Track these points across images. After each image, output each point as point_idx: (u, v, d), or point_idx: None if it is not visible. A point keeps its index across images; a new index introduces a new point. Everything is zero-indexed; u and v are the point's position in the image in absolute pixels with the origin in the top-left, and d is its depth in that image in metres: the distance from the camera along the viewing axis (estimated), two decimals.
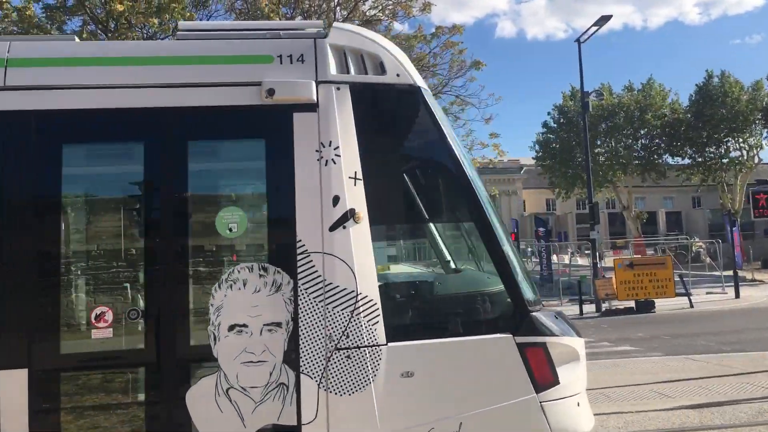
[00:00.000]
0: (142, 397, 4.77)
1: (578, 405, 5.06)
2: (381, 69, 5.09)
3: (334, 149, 4.86)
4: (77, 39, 5.60)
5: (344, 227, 4.77)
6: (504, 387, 4.85)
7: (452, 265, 5.85)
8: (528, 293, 5.06)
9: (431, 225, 5.75)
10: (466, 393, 4.81)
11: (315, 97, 4.91)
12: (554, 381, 4.91)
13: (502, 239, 5.06)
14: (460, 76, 32.93)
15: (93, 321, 4.68)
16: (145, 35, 22.65)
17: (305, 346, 4.69)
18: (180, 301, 4.74)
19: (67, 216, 5.00)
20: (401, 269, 6.25)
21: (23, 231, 4.62)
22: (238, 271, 4.78)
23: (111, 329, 4.69)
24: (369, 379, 4.69)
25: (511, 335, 4.86)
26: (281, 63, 5.02)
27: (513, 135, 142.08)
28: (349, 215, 4.80)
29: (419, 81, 5.18)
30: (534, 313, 4.96)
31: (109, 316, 4.71)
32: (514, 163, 70.04)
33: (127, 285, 5.02)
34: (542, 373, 4.91)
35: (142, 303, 4.81)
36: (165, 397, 4.66)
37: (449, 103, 32.68)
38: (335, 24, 5.50)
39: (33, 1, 21.40)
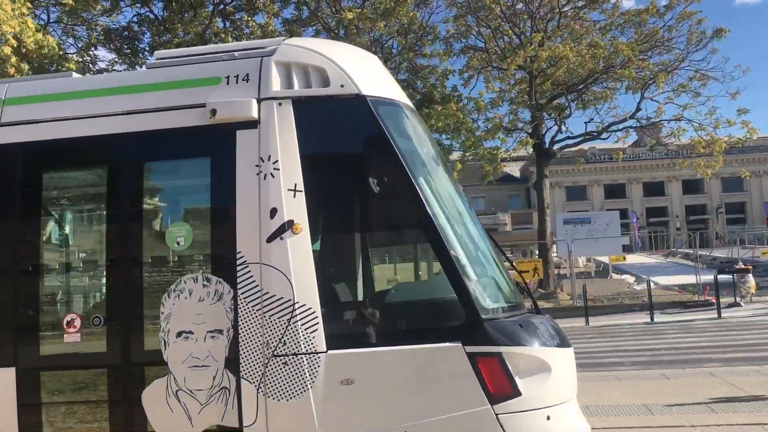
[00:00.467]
0: (105, 395, 5.21)
1: (548, 419, 4.82)
2: (325, 81, 5.15)
3: (273, 163, 4.99)
4: (75, 74, 6.30)
5: (281, 238, 4.87)
6: (453, 397, 4.72)
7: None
8: (484, 301, 4.93)
9: (373, 234, 5.75)
10: (411, 402, 4.73)
11: (256, 115, 5.08)
12: (514, 393, 4.72)
13: (454, 247, 4.99)
14: (699, 49, 30.06)
15: (65, 326, 5.26)
16: (371, 39, 23.70)
17: (244, 353, 4.86)
18: (135, 309, 5.15)
19: (46, 231, 5.66)
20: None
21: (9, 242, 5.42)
22: (185, 282, 5.08)
23: (79, 335, 5.27)
24: (307, 385, 4.75)
25: (460, 344, 4.71)
26: (228, 83, 5.25)
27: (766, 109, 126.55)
28: (287, 227, 4.89)
29: (371, 90, 5.19)
30: (489, 321, 4.81)
31: (78, 323, 5.28)
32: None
33: (90, 294, 5.64)
34: (497, 384, 4.70)
35: (104, 311, 5.30)
36: (124, 397, 5.09)
37: (688, 78, 29.99)
38: (285, 41, 5.53)
39: (273, 17, 23.38)
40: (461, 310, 4.83)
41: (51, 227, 5.88)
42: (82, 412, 5.25)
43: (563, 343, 5.25)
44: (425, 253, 5.63)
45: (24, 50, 21.39)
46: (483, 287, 5.17)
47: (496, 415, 4.69)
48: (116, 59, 29.39)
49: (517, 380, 4.75)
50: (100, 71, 27.96)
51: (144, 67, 6.98)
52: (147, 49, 28.58)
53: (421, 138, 5.75)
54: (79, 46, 28.29)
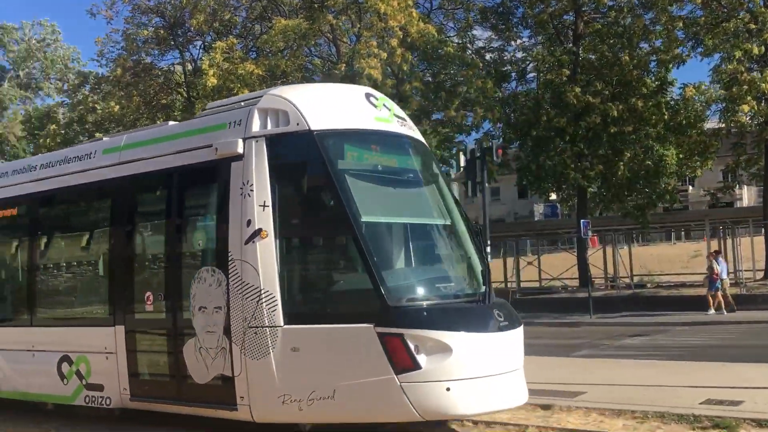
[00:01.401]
0: (165, 347, 8.02)
1: (448, 390, 6.35)
2: (287, 121, 7.19)
3: (250, 186, 7.11)
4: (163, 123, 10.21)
5: (254, 242, 6.96)
6: (367, 367, 6.43)
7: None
8: (396, 292, 6.61)
9: (314, 237, 7.53)
10: (338, 368, 6.57)
11: (242, 150, 7.25)
12: (414, 367, 6.30)
13: (375, 251, 6.69)
14: None
15: (145, 300, 8.18)
16: None
17: (233, 324, 7.08)
18: (180, 290, 7.78)
19: (138, 235, 8.81)
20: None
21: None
22: (202, 272, 7.59)
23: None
24: (269, 349, 6.81)
25: (372, 326, 6.38)
26: (229, 128, 7.53)
27: None
28: (257, 233, 6.96)
29: (322, 125, 7.13)
30: (397, 308, 6.49)
31: (151, 298, 8.19)
32: None
33: (158, 279, 8.42)
34: (400, 359, 6.30)
35: (162, 291, 8.13)
36: (174, 349, 7.74)
37: None
38: (271, 90, 7.87)
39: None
40: (375, 299, 6.54)
41: (144, 236, 8.90)
42: (156, 357, 8.15)
43: (481, 329, 6.75)
44: (349, 252, 7.16)
45: (409, 39, 23.68)
46: (404, 282, 7.11)
47: (400, 384, 6.36)
48: (492, 36, 30.67)
49: (418, 357, 6.35)
50: (478, 51, 29.52)
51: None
52: (519, 23, 29.20)
53: (369, 155, 7.66)
54: (458, 27, 30.24)
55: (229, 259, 7.16)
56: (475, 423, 7.83)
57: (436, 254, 7.93)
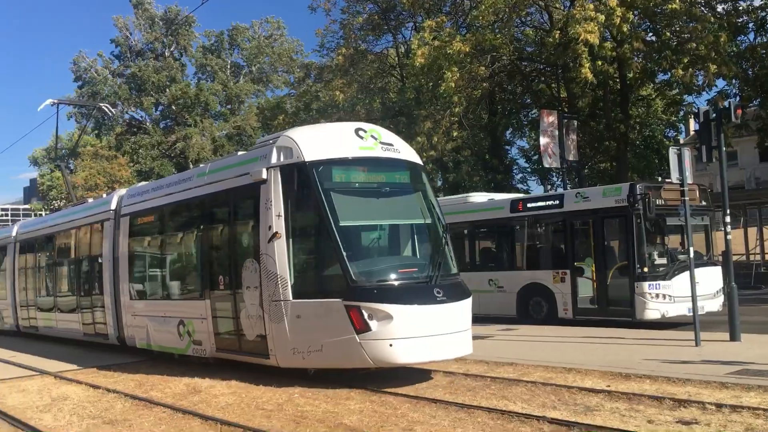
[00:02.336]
0: (230, 313, 11.36)
1: (390, 346, 9.23)
2: (291, 155, 10.26)
3: (269, 201, 10.24)
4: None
5: (271, 241, 10.06)
6: (339, 328, 9.40)
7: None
8: (358, 277, 9.52)
9: (307, 238, 10.55)
10: (323, 329, 9.62)
11: (265, 176, 10.38)
12: (367, 329, 9.24)
13: (347, 248, 9.67)
14: None
15: (219, 282, 11.79)
16: None
17: (263, 298, 10.25)
18: (239, 275, 10.97)
19: (215, 235, 12.38)
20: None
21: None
22: (247, 263, 10.80)
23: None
24: (284, 316, 9.92)
25: (341, 300, 9.41)
26: (258, 160, 10.76)
27: None
28: (275, 235, 10.04)
29: (314, 156, 10.12)
30: (357, 287, 9.41)
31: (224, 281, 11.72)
32: None
33: (225, 268, 11.78)
34: (358, 323, 9.26)
35: (228, 276, 11.53)
36: (235, 315, 11.11)
37: None
38: (286, 132, 11.10)
39: None
40: (344, 281, 9.46)
41: (218, 235, 12.36)
42: (228, 322, 11.44)
43: (417, 302, 9.44)
44: (331, 248, 9.79)
45: None
46: (370, 267, 9.90)
47: (359, 341, 9.25)
48: None
49: (370, 322, 9.19)
50: (707, 2, 26.70)
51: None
52: None
53: (356, 176, 10.47)
54: None
55: (261, 253, 10.36)
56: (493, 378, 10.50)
57: (398, 248, 11.06)
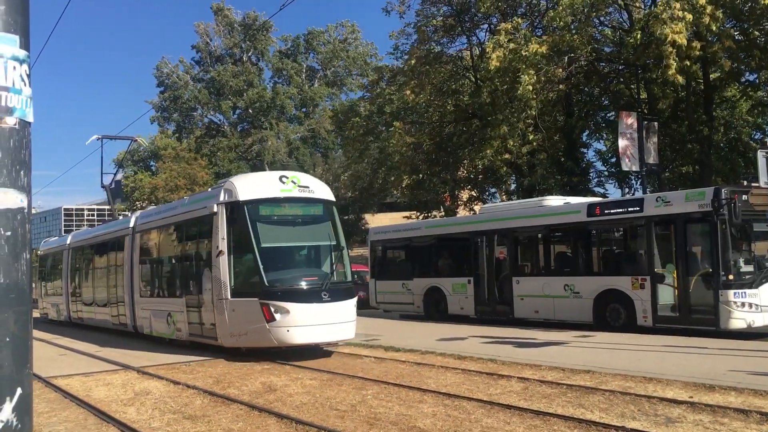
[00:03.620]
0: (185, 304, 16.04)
1: (288, 331, 12.93)
2: (232, 195, 14.00)
3: (218, 228, 14.11)
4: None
5: (218, 256, 13.92)
6: (256, 319, 13.10)
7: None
8: (271, 283, 13.16)
9: (241, 255, 14.03)
10: (247, 320, 13.30)
11: (215, 210, 14.24)
12: (273, 319, 12.91)
13: (266, 262, 13.40)
14: None
15: (190, 284, 16.11)
16: None
17: (213, 297, 14.16)
18: (200, 280, 15.13)
19: (187, 250, 16.86)
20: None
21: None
22: (205, 270, 14.73)
23: None
24: (225, 310, 13.73)
25: (258, 299, 13.10)
26: (213, 198, 14.66)
27: None
28: (221, 252, 13.87)
29: (246, 196, 13.85)
30: (267, 290, 13.07)
31: (192, 284, 16.04)
32: None
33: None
34: (268, 316, 12.93)
35: (196, 281, 15.86)
36: (200, 309, 15.09)
37: None
38: (232, 178, 15.46)
39: None
40: (260, 286, 13.19)
41: (189, 251, 16.48)
42: (195, 314, 15.28)
43: (308, 301, 13.17)
44: (253, 261, 13.70)
45: None
46: (278, 277, 13.44)
47: (268, 328, 13.02)
48: None
49: (275, 314, 12.92)
50: None
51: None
52: None
53: (276, 210, 14.19)
54: None
55: (212, 264, 14.21)
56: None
57: (303, 263, 14.76)
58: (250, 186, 14.21)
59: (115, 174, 30.55)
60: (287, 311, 12.89)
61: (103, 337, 20.05)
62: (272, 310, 12.91)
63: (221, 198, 14.17)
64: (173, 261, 17.15)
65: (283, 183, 14.19)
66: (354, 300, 13.87)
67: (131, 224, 19.56)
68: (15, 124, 3.08)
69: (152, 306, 17.63)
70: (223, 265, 13.72)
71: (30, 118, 3.17)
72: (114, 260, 20.80)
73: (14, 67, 3.11)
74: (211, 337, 14.38)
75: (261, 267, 13.24)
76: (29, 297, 3.10)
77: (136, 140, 30.56)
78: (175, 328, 16.18)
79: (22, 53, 3.14)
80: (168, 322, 16.51)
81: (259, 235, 13.53)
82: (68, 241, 26.58)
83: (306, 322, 12.97)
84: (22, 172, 3.08)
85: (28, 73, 3.19)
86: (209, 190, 16.99)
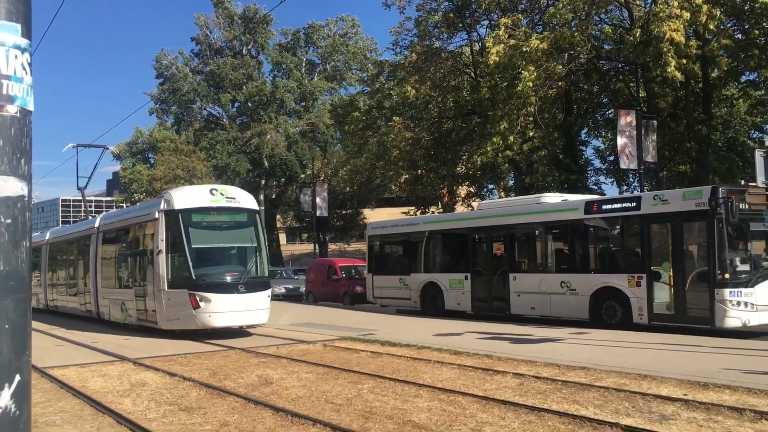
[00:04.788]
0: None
1: (210, 316, 15.99)
2: (169, 204, 16.97)
3: (159, 231, 16.93)
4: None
5: (158, 255, 16.77)
6: (186, 307, 16.14)
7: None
8: (199, 278, 16.18)
9: (176, 254, 16.72)
10: (179, 307, 16.34)
11: (157, 216, 17.13)
12: (198, 307, 15.95)
13: (191, 259, 16.35)
14: None
15: (137, 277, 18.85)
16: None
17: (154, 288, 17.01)
18: (145, 274, 18.06)
19: (132, 249, 20.08)
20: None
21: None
22: (148, 266, 17.65)
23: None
24: (162, 299, 16.70)
25: (187, 290, 16.12)
26: (156, 206, 17.63)
27: None
28: (160, 251, 16.72)
29: (182, 205, 16.79)
30: (195, 283, 16.10)
31: (139, 277, 18.95)
32: None
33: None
34: (194, 304, 15.98)
35: (141, 275, 18.89)
36: (145, 298, 18.03)
37: None
38: (168, 191, 18.36)
39: None
40: (190, 280, 16.20)
41: (136, 249, 19.47)
42: (142, 302, 17.99)
43: (226, 292, 16.25)
44: (185, 259, 16.54)
45: None
46: (203, 272, 16.38)
47: (194, 314, 16.07)
48: None
49: (200, 303, 15.99)
50: None
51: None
52: None
53: (206, 217, 16.99)
54: None
55: (154, 261, 16.80)
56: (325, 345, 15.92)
57: (226, 261, 17.31)
58: (185, 197, 17.10)
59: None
60: (209, 300, 15.93)
61: (73, 322, 22.47)
62: (198, 299, 15.92)
63: (161, 206, 17.03)
64: (126, 258, 19.72)
65: (213, 195, 17.18)
66: (268, 291, 16.97)
67: (96, 224, 22.37)
68: (16, 113, 3.08)
69: (111, 296, 20.28)
70: (162, 262, 16.55)
71: (31, 107, 3.18)
72: (82, 255, 23.70)
73: (16, 56, 3.10)
74: (152, 321, 17.15)
75: (191, 264, 16.19)
76: (29, 285, 3.12)
77: (108, 148, 30.78)
78: (127, 314, 18.85)
79: (23, 42, 3.14)
80: (122, 309, 19.21)
81: (190, 238, 16.44)
82: (46, 237, 29.71)
83: (224, 309, 16.02)
84: (22, 161, 3.08)
85: (29, 62, 3.19)
86: (156, 199, 20.49)
